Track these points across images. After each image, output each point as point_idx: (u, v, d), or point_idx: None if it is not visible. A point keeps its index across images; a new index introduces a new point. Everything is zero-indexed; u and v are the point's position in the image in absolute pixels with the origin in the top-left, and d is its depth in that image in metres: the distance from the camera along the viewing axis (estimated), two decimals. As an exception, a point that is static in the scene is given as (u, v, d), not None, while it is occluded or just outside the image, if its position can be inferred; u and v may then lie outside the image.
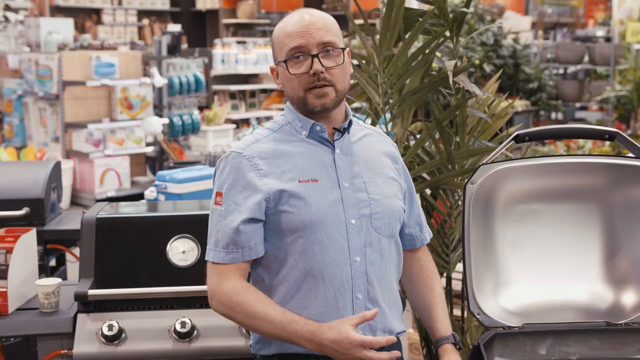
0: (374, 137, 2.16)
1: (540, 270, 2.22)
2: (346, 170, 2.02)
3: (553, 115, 13.30)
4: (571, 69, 13.89)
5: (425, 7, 2.91)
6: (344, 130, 2.05)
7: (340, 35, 2.03)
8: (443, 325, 2.13)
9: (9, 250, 2.63)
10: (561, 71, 14.15)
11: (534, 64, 12.80)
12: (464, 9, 2.75)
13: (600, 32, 14.53)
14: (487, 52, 11.53)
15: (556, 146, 8.36)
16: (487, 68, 11.10)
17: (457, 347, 2.10)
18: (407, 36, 2.76)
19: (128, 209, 2.90)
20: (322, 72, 1.95)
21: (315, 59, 1.95)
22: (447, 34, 2.83)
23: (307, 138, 2.03)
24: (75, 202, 8.05)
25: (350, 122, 2.07)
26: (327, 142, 2.04)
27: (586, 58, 13.23)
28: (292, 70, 1.97)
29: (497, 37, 11.80)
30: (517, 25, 15.74)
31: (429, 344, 2.97)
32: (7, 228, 2.80)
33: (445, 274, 2.97)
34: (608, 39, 13.79)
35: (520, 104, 11.64)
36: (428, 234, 2.25)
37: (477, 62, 10.88)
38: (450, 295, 2.96)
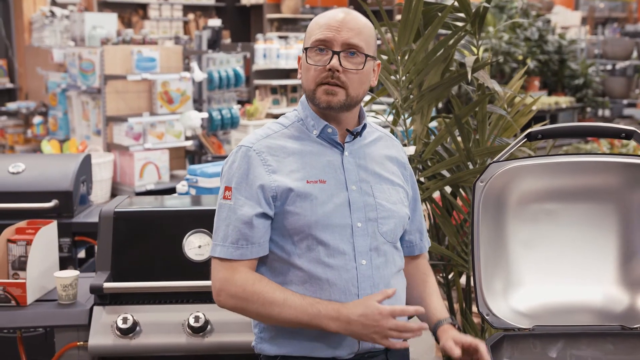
0: (385, 141, 2.12)
1: (552, 271, 2.17)
2: (354, 173, 2.00)
3: (600, 112, 13.05)
4: (620, 64, 13.58)
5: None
6: (356, 134, 2.03)
7: (373, 44, 1.99)
8: (438, 311, 2.08)
9: (29, 242, 2.67)
10: (609, 67, 13.86)
11: (580, 60, 12.56)
12: (485, 4, 2.71)
13: (650, 28, 14.19)
14: (531, 48, 11.35)
15: (599, 144, 8.19)
16: (531, 64, 10.92)
17: (457, 327, 2.04)
18: (426, 31, 2.72)
19: (146, 203, 2.91)
20: (337, 71, 1.92)
21: (336, 56, 1.92)
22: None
23: (318, 138, 2.01)
24: (115, 194, 8.14)
25: (365, 126, 2.05)
26: (337, 144, 2.01)
27: (635, 54, 12.93)
28: (310, 60, 1.95)
29: (542, 32, 11.60)
30: (566, 21, 15.46)
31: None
32: (29, 220, 2.84)
33: (465, 273, 2.93)
34: (659, 34, 13.47)
35: (565, 101, 11.43)
36: (427, 243, 2.21)
37: (520, 57, 10.72)
38: (469, 293, 2.92)
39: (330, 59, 1.92)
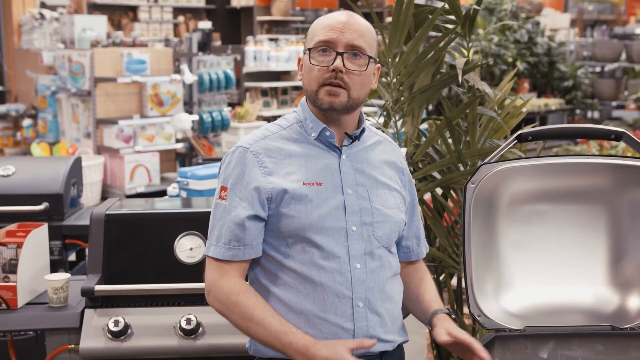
0: (384, 145, 2.12)
1: (543, 272, 2.18)
2: (351, 177, 2.00)
3: (589, 114, 13.11)
4: (609, 67, 13.66)
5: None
6: (354, 138, 2.03)
7: (374, 47, 2.00)
8: (436, 303, 2.08)
9: (19, 245, 2.66)
10: (598, 69, 13.93)
11: (569, 62, 12.63)
12: (475, 6, 2.72)
13: (639, 30, 14.26)
14: (521, 50, 11.40)
15: (589, 145, 8.24)
16: (521, 66, 10.97)
17: (452, 317, 2.04)
18: (417, 33, 2.73)
19: (137, 206, 2.91)
20: (341, 72, 1.92)
21: (339, 57, 1.92)
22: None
23: (315, 140, 2.01)
24: (105, 197, 8.13)
25: (363, 130, 2.05)
26: (335, 148, 2.01)
27: (623, 56, 13.00)
28: (313, 60, 1.95)
29: (531, 34, 11.66)
30: (555, 23, 15.53)
31: (439, 345, 2.95)
32: (20, 223, 2.83)
33: (456, 274, 2.94)
34: (647, 37, 13.54)
35: (554, 103, 11.49)
36: (425, 249, 2.21)
37: (509, 59, 10.76)
38: (460, 295, 2.93)
39: (334, 60, 1.92)
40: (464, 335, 1.93)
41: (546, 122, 11.23)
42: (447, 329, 1.95)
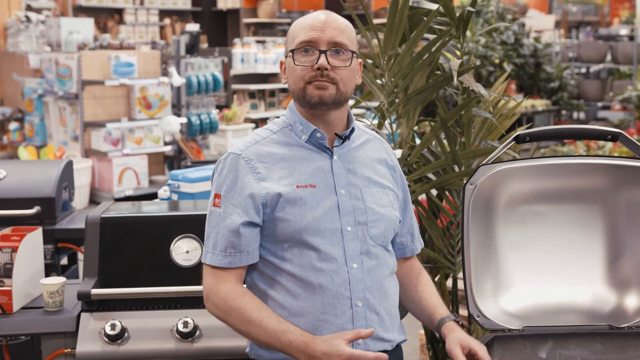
0: (373, 143, 2.13)
1: (541, 272, 2.19)
2: (343, 177, 2.01)
3: (575, 115, 13.19)
4: (594, 68, 13.75)
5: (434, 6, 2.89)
6: (345, 138, 2.03)
7: (355, 42, 2.02)
8: (442, 309, 2.10)
9: (14, 249, 2.64)
10: (583, 70, 14.02)
11: (555, 63, 12.70)
12: (470, 8, 2.73)
13: (623, 31, 14.36)
14: (508, 51, 11.46)
15: (576, 146, 8.28)
16: (508, 67, 11.02)
17: (460, 324, 2.06)
18: (412, 35, 2.74)
19: (132, 209, 2.90)
20: (326, 69, 1.93)
21: (323, 55, 1.93)
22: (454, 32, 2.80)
23: (306, 143, 2.02)
24: (94, 200, 8.10)
25: (352, 130, 2.06)
26: (326, 149, 2.02)
27: (608, 57, 13.10)
28: (297, 61, 1.96)
29: (518, 36, 11.73)
30: (540, 24, 15.62)
31: (435, 345, 2.96)
32: (14, 227, 2.82)
33: (451, 275, 2.94)
34: (632, 38, 13.63)
35: (541, 104, 11.56)
36: (419, 244, 2.23)
37: (496, 61, 10.81)
38: (456, 296, 2.94)
39: (318, 59, 1.94)
40: (472, 344, 1.96)
41: (533, 123, 11.29)
42: (459, 341, 1.98)
